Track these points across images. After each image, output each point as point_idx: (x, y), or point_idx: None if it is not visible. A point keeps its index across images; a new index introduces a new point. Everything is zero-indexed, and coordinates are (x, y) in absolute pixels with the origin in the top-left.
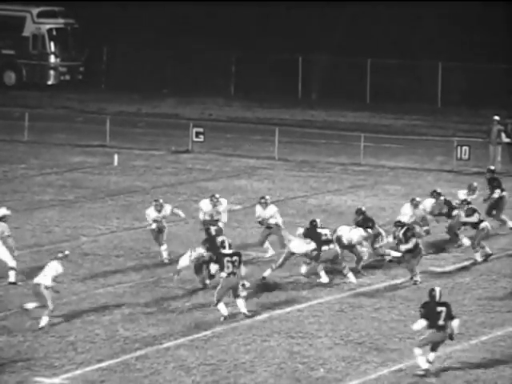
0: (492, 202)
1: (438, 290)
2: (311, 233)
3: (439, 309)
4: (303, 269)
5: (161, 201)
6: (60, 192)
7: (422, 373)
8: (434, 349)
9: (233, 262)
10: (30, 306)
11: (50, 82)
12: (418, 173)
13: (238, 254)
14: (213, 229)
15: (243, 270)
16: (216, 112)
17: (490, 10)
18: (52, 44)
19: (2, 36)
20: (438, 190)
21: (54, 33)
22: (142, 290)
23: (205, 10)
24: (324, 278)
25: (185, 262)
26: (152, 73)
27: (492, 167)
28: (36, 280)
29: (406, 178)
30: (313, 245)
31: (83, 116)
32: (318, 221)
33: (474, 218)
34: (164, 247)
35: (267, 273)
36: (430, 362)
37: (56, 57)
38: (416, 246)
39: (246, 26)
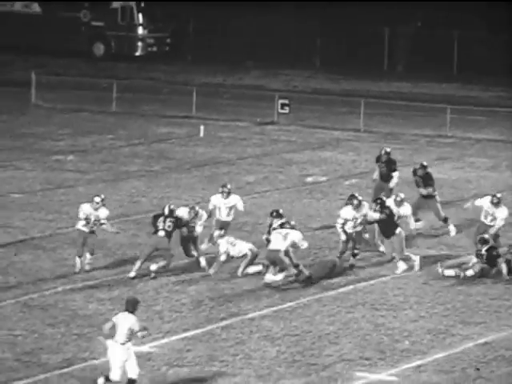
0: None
1: None
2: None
3: None
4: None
5: (98, 199)
6: (147, 163)
7: None
8: None
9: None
10: (274, 278)
11: (137, 54)
12: (504, 145)
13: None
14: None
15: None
16: (301, 84)
17: None
18: (140, 16)
19: (91, 8)
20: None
21: (142, 4)
22: (227, 260)
23: None
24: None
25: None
26: (237, 45)
27: (425, 163)
28: (273, 246)
29: (492, 150)
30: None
31: (170, 87)
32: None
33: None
34: (90, 256)
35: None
36: None
37: (144, 28)
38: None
39: None
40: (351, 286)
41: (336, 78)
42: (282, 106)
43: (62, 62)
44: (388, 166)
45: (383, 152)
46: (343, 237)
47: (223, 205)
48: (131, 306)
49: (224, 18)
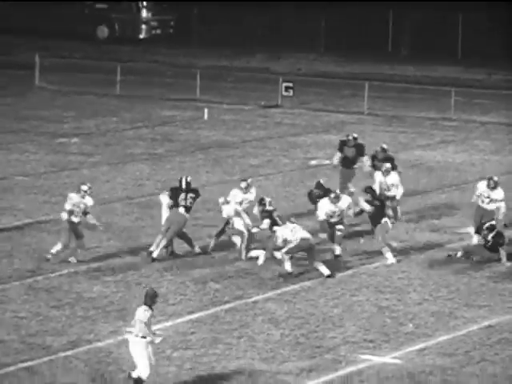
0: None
1: None
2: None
3: None
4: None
5: (85, 187)
6: (151, 145)
7: None
8: None
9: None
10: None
11: (141, 36)
12: (509, 128)
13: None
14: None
15: None
16: (306, 67)
17: None
18: None
19: None
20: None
21: None
22: (231, 244)
23: None
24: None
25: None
26: (242, 28)
27: (385, 146)
28: (304, 235)
29: (496, 133)
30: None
31: (174, 70)
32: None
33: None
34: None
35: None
36: None
37: (148, 11)
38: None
39: None
40: (355, 269)
41: (340, 60)
42: (286, 88)
43: (66, 45)
44: (357, 149)
45: (351, 138)
46: (327, 231)
47: (243, 199)
48: (150, 300)
49: (229, 1)
